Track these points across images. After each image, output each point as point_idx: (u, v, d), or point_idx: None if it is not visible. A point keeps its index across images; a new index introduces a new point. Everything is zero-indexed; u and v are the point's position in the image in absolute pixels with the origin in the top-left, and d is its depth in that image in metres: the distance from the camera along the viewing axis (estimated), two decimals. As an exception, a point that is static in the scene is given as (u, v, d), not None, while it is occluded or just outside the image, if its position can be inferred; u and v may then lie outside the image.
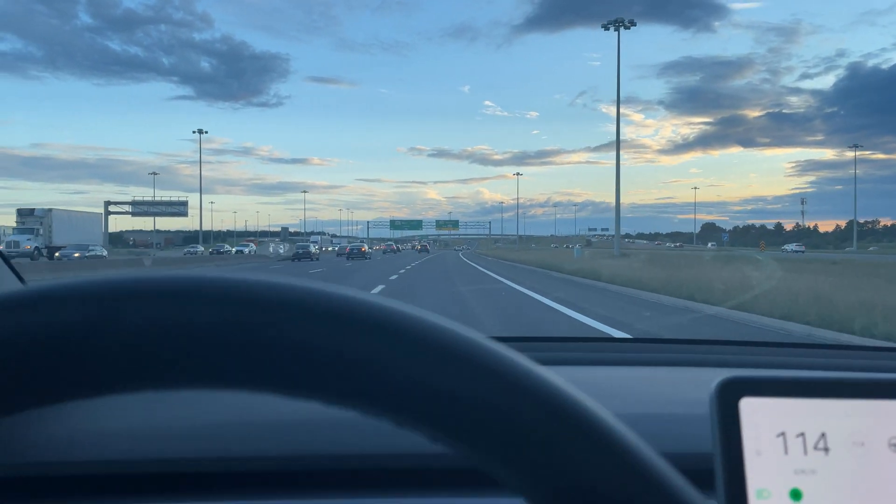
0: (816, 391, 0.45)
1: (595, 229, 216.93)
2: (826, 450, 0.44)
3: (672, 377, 1.22)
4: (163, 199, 67.85)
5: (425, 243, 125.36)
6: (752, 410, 0.44)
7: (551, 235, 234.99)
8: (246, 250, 55.17)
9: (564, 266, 26.01)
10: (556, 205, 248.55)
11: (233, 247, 75.89)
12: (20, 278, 1.14)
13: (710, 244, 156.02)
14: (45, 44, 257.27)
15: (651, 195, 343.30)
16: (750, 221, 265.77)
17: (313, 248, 52.16)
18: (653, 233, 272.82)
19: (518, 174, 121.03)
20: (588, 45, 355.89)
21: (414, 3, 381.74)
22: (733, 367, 1.27)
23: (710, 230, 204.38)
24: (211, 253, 54.73)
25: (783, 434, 0.44)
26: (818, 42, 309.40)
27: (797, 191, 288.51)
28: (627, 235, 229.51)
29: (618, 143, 38.55)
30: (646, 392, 1.08)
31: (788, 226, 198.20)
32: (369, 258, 51.25)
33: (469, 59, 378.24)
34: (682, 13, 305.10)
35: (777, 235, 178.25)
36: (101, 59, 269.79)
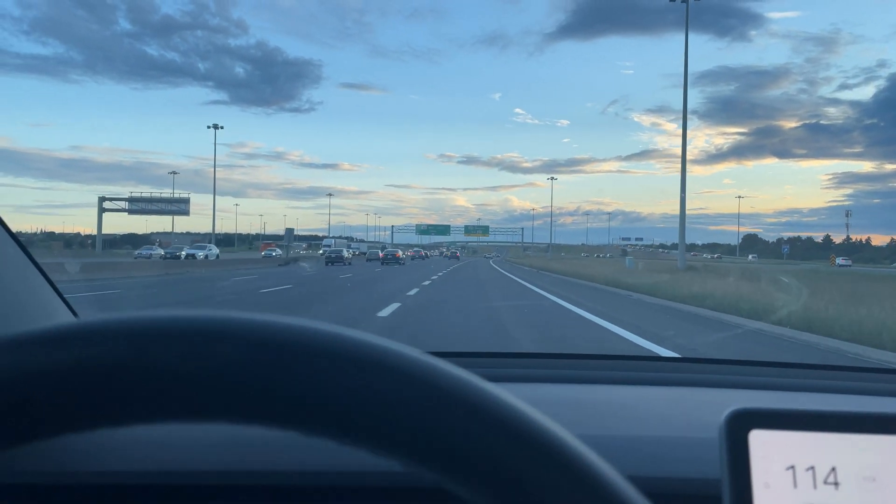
0: (827, 425, 0.44)
1: (629, 238, 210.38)
2: (836, 484, 0.43)
3: (705, 399, 1.18)
4: (162, 195, 63.41)
5: (454, 250, 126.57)
6: (762, 443, 0.44)
7: (582, 244, 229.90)
8: (200, 254, 47.14)
9: (625, 280, 20.89)
10: (585, 213, 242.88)
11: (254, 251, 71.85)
12: (73, 311, 1.17)
13: (750, 256, 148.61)
14: (85, 48, 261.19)
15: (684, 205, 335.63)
16: (784, 234, 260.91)
17: (346, 253, 52.39)
18: (688, 243, 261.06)
19: (552, 178, 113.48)
20: (620, 53, 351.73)
21: (446, 11, 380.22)
22: (771, 389, 1.25)
23: (751, 241, 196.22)
24: (165, 257, 43.71)
25: (793, 467, 0.43)
26: (858, 52, 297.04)
27: (834, 203, 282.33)
28: (662, 245, 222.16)
29: (683, 154, 33.22)
30: (670, 413, 1.06)
31: (837, 238, 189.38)
32: (403, 263, 51.11)
33: (500, 67, 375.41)
34: (717, 22, 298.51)
35: (826, 248, 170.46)
36: (139, 64, 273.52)
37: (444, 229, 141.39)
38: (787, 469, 0.43)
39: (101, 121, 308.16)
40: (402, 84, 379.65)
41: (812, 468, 0.43)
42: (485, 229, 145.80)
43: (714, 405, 1.09)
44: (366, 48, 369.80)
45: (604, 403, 1.09)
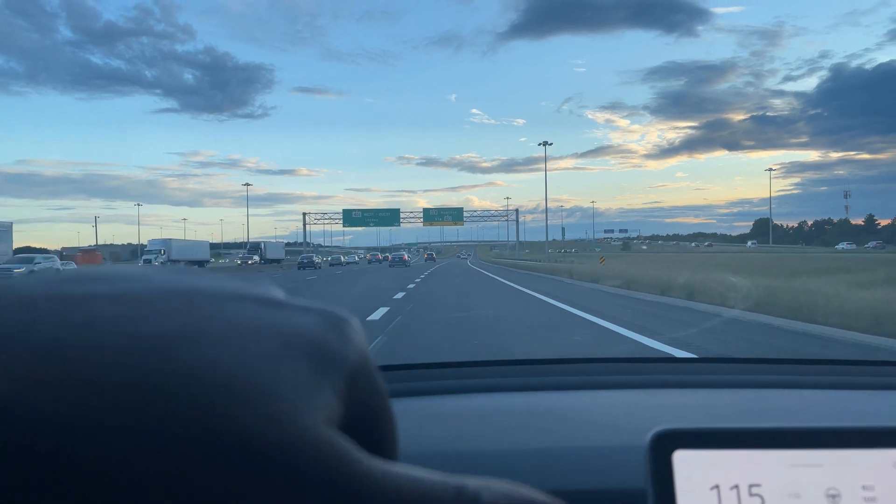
0: (750, 442, 0.44)
1: (612, 231, 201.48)
2: (761, 501, 0.43)
3: (658, 402, 1.15)
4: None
5: (431, 252, 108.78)
6: (686, 463, 0.43)
7: (553, 241, 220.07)
8: (19, 269, 32.68)
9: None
10: (542, 211, 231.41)
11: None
12: None
13: (749, 243, 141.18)
14: (25, 59, 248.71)
15: (639, 199, 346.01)
16: (737, 223, 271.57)
17: (316, 259, 60.76)
18: (670, 234, 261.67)
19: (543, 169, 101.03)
20: (572, 51, 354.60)
21: (399, 12, 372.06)
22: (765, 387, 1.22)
23: (762, 227, 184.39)
24: None
25: (717, 486, 0.43)
26: (801, 44, 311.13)
27: (783, 192, 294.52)
28: (638, 237, 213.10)
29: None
30: (624, 419, 1.04)
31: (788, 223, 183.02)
32: (409, 266, 54.21)
33: (455, 68, 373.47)
34: (665, 18, 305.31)
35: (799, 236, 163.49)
36: (83, 73, 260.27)
37: (387, 216, 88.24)
38: (712, 489, 0.43)
39: (48, 133, 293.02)
40: (357, 87, 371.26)
41: (736, 486, 0.43)
42: (456, 214, 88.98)
43: (657, 409, 1.09)
44: (319, 51, 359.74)
45: (572, 411, 1.08)
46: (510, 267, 44.68)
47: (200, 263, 64.42)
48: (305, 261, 56.90)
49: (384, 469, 0.24)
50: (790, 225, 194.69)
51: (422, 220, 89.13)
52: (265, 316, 0.25)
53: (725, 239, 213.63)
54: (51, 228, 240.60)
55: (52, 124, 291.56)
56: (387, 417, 0.28)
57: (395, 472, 0.24)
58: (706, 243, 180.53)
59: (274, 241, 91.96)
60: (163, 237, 68.59)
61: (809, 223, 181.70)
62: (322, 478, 0.22)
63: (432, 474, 0.25)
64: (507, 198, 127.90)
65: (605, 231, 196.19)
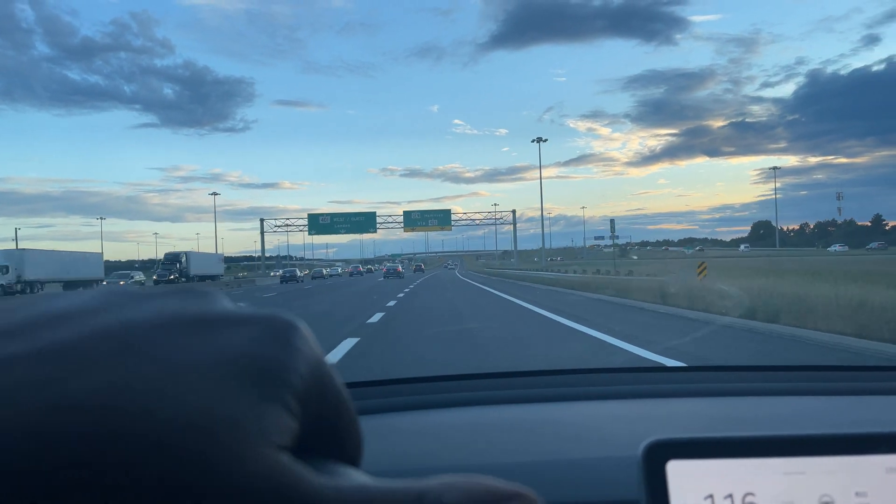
0: (743, 451, 0.44)
1: (602, 237, 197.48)
2: None
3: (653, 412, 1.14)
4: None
5: (420, 263, 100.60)
6: (680, 473, 0.43)
7: (538, 248, 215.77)
8: None
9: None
10: (529, 220, 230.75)
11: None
12: None
13: (742, 246, 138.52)
14: (1, 75, 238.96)
15: (621, 207, 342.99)
16: (719, 229, 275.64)
17: (298, 272, 63.57)
18: (660, 240, 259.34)
19: (541, 175, 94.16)
20: (552, 61, 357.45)
21: (378, 25, 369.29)
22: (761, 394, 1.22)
23: (764, 229, 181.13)
24: None
25: (711, 496, 0.43)
26: (778, 51, 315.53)
27: (763, 197, 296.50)
28: (628, 244, 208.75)
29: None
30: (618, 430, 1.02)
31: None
32: (402, 277, 53.55)
33: (436, 79, 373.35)
34: (644, 27, 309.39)
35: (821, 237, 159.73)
36: (61, 90, 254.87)
37: (361, 221, 75.64)
38: (706, 498, 0.43)
39: (26, 150, 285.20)
40: (339, 100, 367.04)
41: (730, 496, 0.43)
42: (442, 218, 75.02)
43: (647, 420, 1.09)
44: (299, 64, 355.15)
45: (563, 423, 1.07)
46: (519, 280, 36.19)
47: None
48: (288, 275, 59.11)
49: (338, 486, 0.23)
50: (791, 228, 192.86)
51: (402, 224, 74.33)
52: (201, 343, 0.24)
53: (717, 244, 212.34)
54: (33, 247, 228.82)
55: (29, 141, 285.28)
56: (348, 422, 0.27)
57: (351, 487, 0.23)
58: (697, 247, 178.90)
59: (206, 253, 75.08)
60: (139, 256, 62.72)
61: (811, 225, 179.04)
62: None
63: (393, 483, 0.24)
64: (495, 204, 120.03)
65: (596, 238, 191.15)
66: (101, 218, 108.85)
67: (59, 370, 0.22)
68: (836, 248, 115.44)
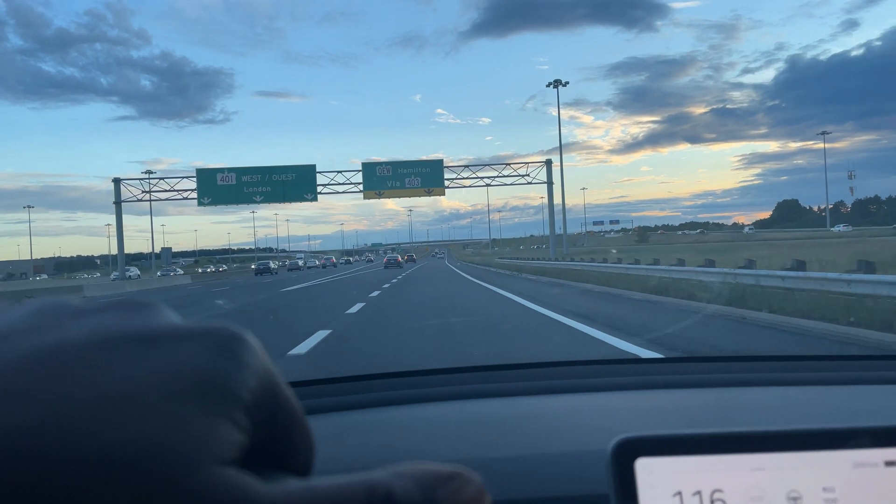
0: (711, 447, 0.44)
1: (602, 222, 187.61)
2: None
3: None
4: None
5: (411, 253, 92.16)
6: (649, 471, 0.43)
7: (531, 236, 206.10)
8: None
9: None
10: (513, 209, 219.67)
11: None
12: None
13: (839, 226, 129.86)
14: None
15: (605, 195, 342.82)
16: (701, 215, 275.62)
17: (272, 265, 66.85)
18: (655, 226, 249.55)
19: (548, 161, 78.53)
20: (534, 49, 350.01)
21: (359, 13, 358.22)
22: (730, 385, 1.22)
23: (793, 208, 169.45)
24: None
25: (679, 493, 0.43)
26: (758, 37, 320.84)
27: (745, 183, 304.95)
28: (624, 229, 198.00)
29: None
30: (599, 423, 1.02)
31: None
32: (402, 266, 53.52)
33: (418, 68, 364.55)
34: (624, 14, 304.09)
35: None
36: (35, 82, 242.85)
37: (290, 180, 44.93)
38: (675, 495, 0.43)
39: (1, 145, 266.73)
40: (321, 90, 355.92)
41: (699, 492, 0.43)
42: (430, 174, 47.05)
43: (618, 414, 1.09)
44: (279, 54, 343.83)
45: (548, 416, 1.07)
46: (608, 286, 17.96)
47: None
48: (262, 267, 60.09)
49: (286, 490, 0.23)
50: (820, 208, 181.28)
51: (361, 188, 45.60)
52: (141, 362, 0.23)
53: (720, 228, 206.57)
54: (10, 243, 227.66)
55: (4, 136, 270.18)
56: (300, 432, 0.27)
57: (299, 489, 0.23)
58: (698, 230, 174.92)
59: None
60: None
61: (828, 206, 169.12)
62: None
63: (341, 478, 0.24)
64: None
65: (595, 223, 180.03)
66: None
67: None
68: (840, 228, 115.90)
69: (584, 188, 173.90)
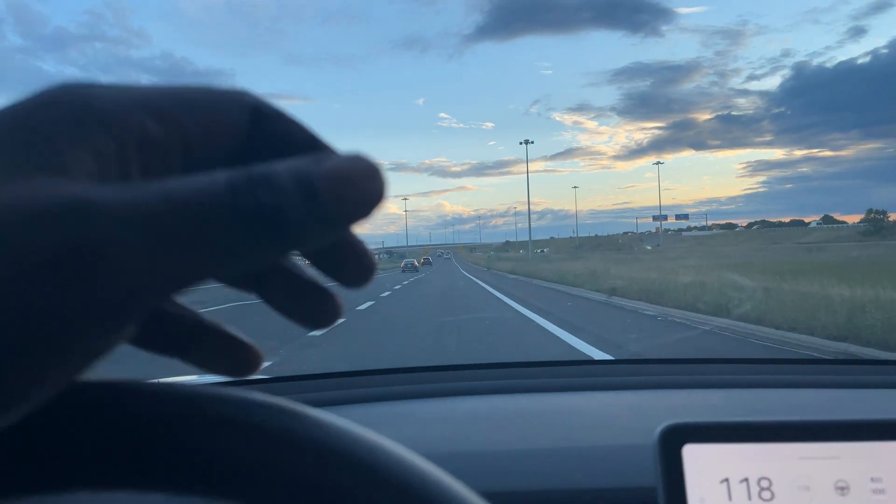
0: (760, 435, 0.44)
1: (686, 216, 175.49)
2: (771, 495, 0.43)
3: (647, 402, 1.16)
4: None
5: (427, 256, 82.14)
6: (696, 457, 0.44)
7: (552, 238, 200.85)
8: None
9: None
10: (516, 214, 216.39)
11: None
12: None
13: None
14: None
15: (609, 201, 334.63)
16: (705, 223, 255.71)
17: None
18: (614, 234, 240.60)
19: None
20: (539, 53, 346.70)
21: (361, 15, 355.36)
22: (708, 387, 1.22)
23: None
24: None
25: (727, 480, 0.43)
26: (763, 43, 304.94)
27: (750, 191, 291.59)
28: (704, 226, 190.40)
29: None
30: (609, 421, 1.03)
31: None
32: (419, 271, 47.81)
33: (421, 71, 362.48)
34: (630, 18, 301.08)
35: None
36: (35, 82, 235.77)
37: None
38: (722, 482, 0.43)
39: None
40: (323, 92, 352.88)
41: (746, 480, 0.43)
42: None
43: (647, 409, 1.10)
44: (281, 56, 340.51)
45: (549, 412, 1.09)
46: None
47: None
48: None
49: (134, 192, 0.18)
50: (847, 219, 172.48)
51: None
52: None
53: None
54: None
55: None
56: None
57: (151, 191, 0.18)
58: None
59: None
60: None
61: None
62: (57, 235, 0.17)
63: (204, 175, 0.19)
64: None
65: (678, 216, 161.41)
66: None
67: None
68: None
69: (538, 212, 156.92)
